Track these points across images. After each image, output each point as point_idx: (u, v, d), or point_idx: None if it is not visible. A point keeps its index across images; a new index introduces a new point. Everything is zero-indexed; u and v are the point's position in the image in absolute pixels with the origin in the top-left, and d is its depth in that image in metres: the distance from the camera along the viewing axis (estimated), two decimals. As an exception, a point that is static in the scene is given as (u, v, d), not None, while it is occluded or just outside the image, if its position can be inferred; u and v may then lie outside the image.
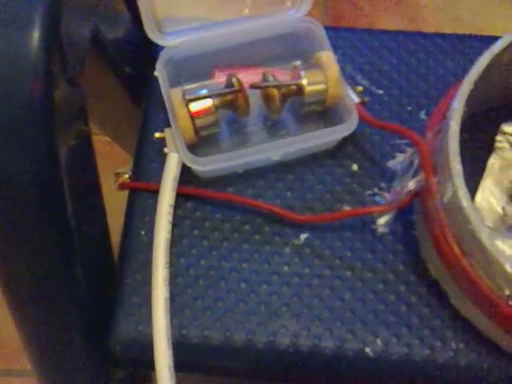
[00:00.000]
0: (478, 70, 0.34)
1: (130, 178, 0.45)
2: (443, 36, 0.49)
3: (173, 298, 0.40)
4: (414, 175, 0.37)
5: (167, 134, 0.42)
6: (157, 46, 0.45)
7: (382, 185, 0.43)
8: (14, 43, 0.26)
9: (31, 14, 0.26)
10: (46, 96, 0.27)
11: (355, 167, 0.44)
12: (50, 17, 0.27)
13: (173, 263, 0.41)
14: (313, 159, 0.44)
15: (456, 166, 0.32)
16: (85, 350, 0.41)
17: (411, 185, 0.36)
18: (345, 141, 0.44)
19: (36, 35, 0.26)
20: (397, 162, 0.39)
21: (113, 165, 0.45)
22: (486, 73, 0.35)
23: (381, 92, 0.46)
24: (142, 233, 0.42)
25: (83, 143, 0.36)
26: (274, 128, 0.45)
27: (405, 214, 0.42)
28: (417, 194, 0.37)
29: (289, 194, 0.43)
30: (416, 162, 0.37)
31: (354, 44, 0.48)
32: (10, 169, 0.28)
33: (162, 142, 0.43)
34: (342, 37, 0.48)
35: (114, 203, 0.44)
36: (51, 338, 0.40)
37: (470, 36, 0.49)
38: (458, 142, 0.32)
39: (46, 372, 0.43)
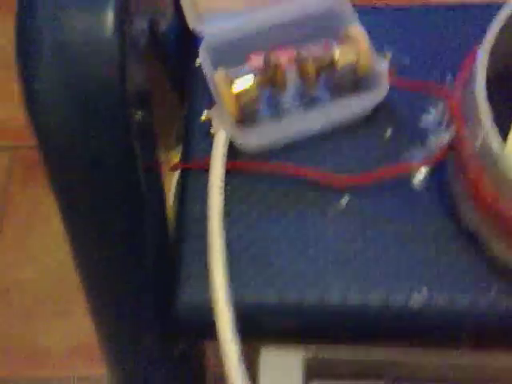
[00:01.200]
0: (498, 23, 0.37)
1: (180, 160, 0.49)
2: (466, 5, 0.51)
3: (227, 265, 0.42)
4: (446, 130, 0.40)
5: (213, 114, 0.46)
6: (195, 39, 0.49)
7: (416, 145, 0.45)
8: (91, 26, 0.30)
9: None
10: (121, 75, 0.31)
11: (389, 132, 0.46)
12: (121, 2, 0.30)
13: (225, 234, 0.44)
14: (348, 128, 0.47)
15: (484, 110, 0.34)
16: (151, 318, 0.45)
17: (444, 138, 0.39)
18: (377, 109, 0.46)
19: (111, 18, 0.30)
20: (428, 120, 0.41)
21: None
22: (506, 27, 0.37)
23: (407, 61, 0.48)
24: (197, 207, 0.45)
25: (148, 124, 0.39)
26: (310, 103, 0.48)
27: (439, 173, 0.44)
28: (450, 147, 0.40)
29: (328, 161, 0.46)
30: (447, 117, 0.39)
31: (378, 19, 0.51)
32: (91, 140, 0.32)
33: (208, 124, 0.46)
34: (365, 13, 0.50)
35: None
36: (120, 313, 0.44)
37: (494, 4, 0.51)
38: (484, 89, 0.34)
39: (114, 349, 0.47)
